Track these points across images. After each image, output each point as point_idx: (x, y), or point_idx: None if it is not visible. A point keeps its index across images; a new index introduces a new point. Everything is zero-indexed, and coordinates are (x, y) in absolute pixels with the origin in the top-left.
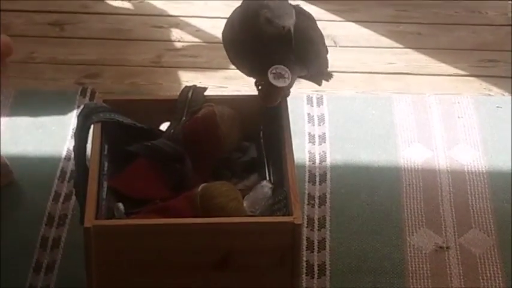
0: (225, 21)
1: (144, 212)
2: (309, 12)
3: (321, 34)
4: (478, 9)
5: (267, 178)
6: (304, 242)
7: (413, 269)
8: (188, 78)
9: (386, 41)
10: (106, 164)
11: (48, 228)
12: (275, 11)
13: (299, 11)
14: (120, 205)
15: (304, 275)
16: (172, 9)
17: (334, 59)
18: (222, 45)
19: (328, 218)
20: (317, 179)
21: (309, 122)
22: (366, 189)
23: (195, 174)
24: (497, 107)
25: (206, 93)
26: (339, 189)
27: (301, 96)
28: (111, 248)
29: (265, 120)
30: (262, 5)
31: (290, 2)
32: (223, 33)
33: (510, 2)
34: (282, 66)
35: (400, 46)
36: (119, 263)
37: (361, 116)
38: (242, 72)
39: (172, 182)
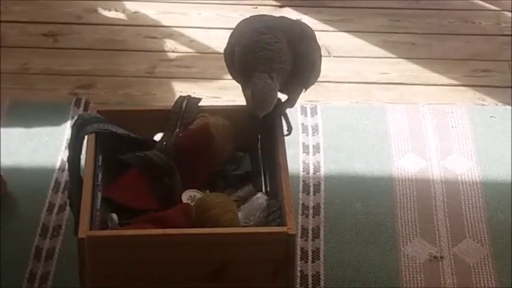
0: (218, 31)
1: (138, 222)
2: (310, 29)
3: (320, 53)
4: (471, 20)
5: (264, 189)
6: (299, 252)
7: (407, 278)
8: (182, 89)
9: (379, 51)
10: (100, 175)
11: (42, 239)
12: (256, 102)
13: (302, 29)
14: (114, 215)
15: (298, 285)
16: (165, 19)
17: (328, 69)
18: (215, 55)
19: (322, 228)
20: (311, 189)
21: (303, 132)
22: (360, 199)
23: (188, 186)
24: (491, 116)
25: (200, 103)
26: (333, 199)
27: (295, 107)
28: (105, 259)
29: (262, 130)
30: (258, 67)
31: (289, 16)
32: (225, 50)
33: (504, 12)
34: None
35: (394, 56)
36: (113, 273)
37: (355, 126)
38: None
39: (159, 194)
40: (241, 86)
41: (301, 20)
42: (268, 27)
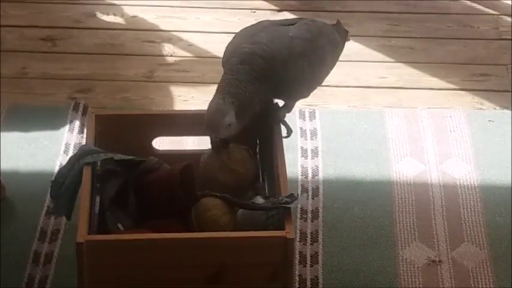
0: (217, 36)
1: (137, 228)
2: (310, 32)
3: (317, 62)
4: (469, 24)
5: (262, 192)
6: (297, 256)
7: (406, 283)
8: (180, 93)
9: (378, 55)
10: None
11: (41, 243)
12: (205, 120)
13: (289, 52)
14: (120, 226)
15: None
16: (164, 24)
17: None
18: (214, 59)
19: (320, 232)
20: (310, 193)
21: (301, 136)
22: (358, 204)
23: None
24: (489, 120)
25: (196, 108)
26: (331, 203)
27: (293, 111)
28: (103, 263)
29: (261, 134)
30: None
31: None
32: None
33: (503, 16)
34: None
35: (392, 60)
36: (112, 278)
37: (354, 130)
38: None
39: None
40: None
41: (304, 21)
42: (251, 53)
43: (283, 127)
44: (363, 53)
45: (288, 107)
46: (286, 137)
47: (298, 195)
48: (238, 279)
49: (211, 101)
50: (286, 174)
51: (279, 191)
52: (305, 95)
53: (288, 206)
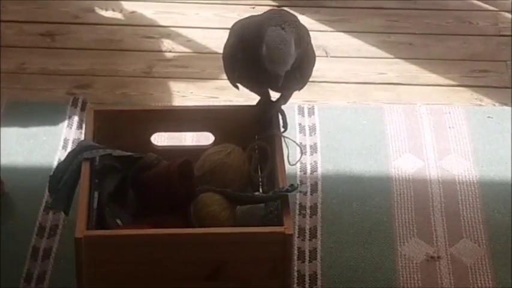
0: (216, 31)
1: (137, 223)
2: (304, 27)
3: None
4: (468, 20)
5: (261, 188)
6: (296, 252)
7: (405, 279)
8: (179, 89)
9: (377, 51)
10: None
11: (39, 239)
12: (271, 55)
13: (300, 26)
14: (118, 221)
15: (295, 285)
16: (163, 19)
17: (326, 69)
18: (213, 55)
19: (319, 228)
20: (308, 189)
21: (300, 132)
22: (357, 199)
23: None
24: (488, 117)
25: (198, 103)
26: (330, 199)
27: (292, 107)
28: (102, 259)
29: (259, 130)
30: (266, 33)
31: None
32: (226, 48)
33: (502, 12)
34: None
35: (391, 56)
36: (110, 273)
37: (353, 126)
38: (249, 88)
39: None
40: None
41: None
42: (272, 18)
43: (280, 121)
44: (362, 49)
45: (285, 98)
46: (282, 132)
47: (298, 185)
48: (236, 275)
49: (271, 31)
50: (284, 170)
51: (277, 187)
52: (306, 82)
53: (289, 193)
